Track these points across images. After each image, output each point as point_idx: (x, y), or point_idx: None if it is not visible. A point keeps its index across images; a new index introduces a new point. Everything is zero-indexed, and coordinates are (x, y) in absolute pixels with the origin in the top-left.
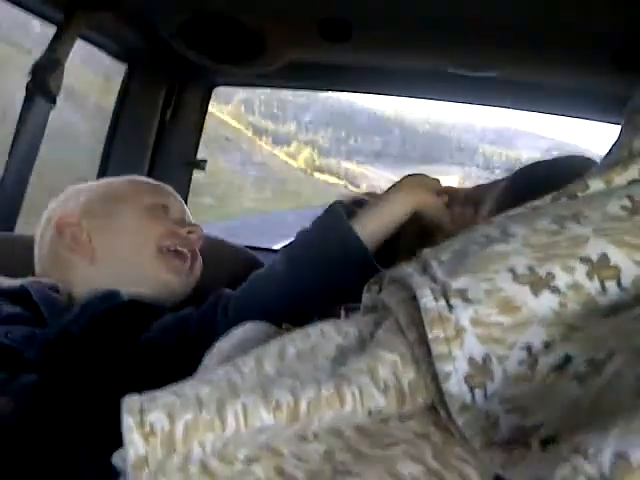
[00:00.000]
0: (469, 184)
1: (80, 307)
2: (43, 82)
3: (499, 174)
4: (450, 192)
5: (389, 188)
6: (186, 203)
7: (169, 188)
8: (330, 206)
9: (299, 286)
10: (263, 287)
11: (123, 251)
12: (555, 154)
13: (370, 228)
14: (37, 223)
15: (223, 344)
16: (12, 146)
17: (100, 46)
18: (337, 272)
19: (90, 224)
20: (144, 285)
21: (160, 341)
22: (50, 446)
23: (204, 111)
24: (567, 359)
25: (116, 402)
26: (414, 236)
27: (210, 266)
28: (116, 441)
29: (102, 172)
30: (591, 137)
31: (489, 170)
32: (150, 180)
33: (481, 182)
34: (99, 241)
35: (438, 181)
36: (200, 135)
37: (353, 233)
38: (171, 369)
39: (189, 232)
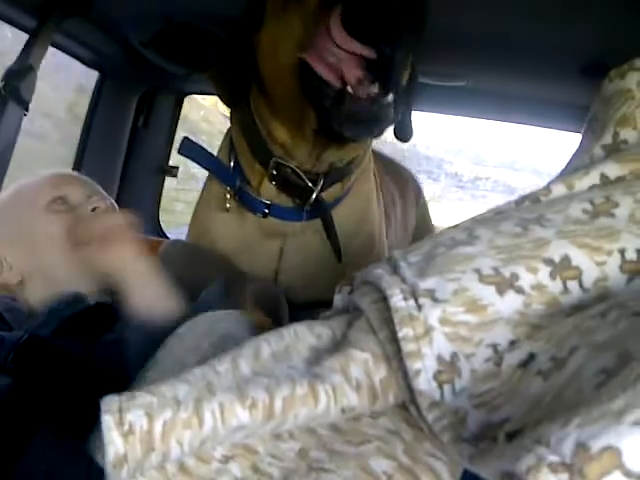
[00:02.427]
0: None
1: (47, 312)
2: (15, 88)
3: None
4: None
5: None
6: (158, 209)
7: (63, 173)
8: None
9: None
10: None
11: (44, 262)
12: (518, 167)
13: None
14: None
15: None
16: None
17: (72, 54)
18: None
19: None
20: (80, 285)
21: (123, 340)
22: (26, 448)
23: (176, 118)
24: (531, 356)
25: (90, 403)
26: None
27: (188, 268)
28: (91, 442)
29: None
30: (552, 151)
31: (457, 178)
32: (38, 175)
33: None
34: (17, 261)
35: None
36: (172, 142)
37: None
38: (137, 368)
39: (93, 209)
